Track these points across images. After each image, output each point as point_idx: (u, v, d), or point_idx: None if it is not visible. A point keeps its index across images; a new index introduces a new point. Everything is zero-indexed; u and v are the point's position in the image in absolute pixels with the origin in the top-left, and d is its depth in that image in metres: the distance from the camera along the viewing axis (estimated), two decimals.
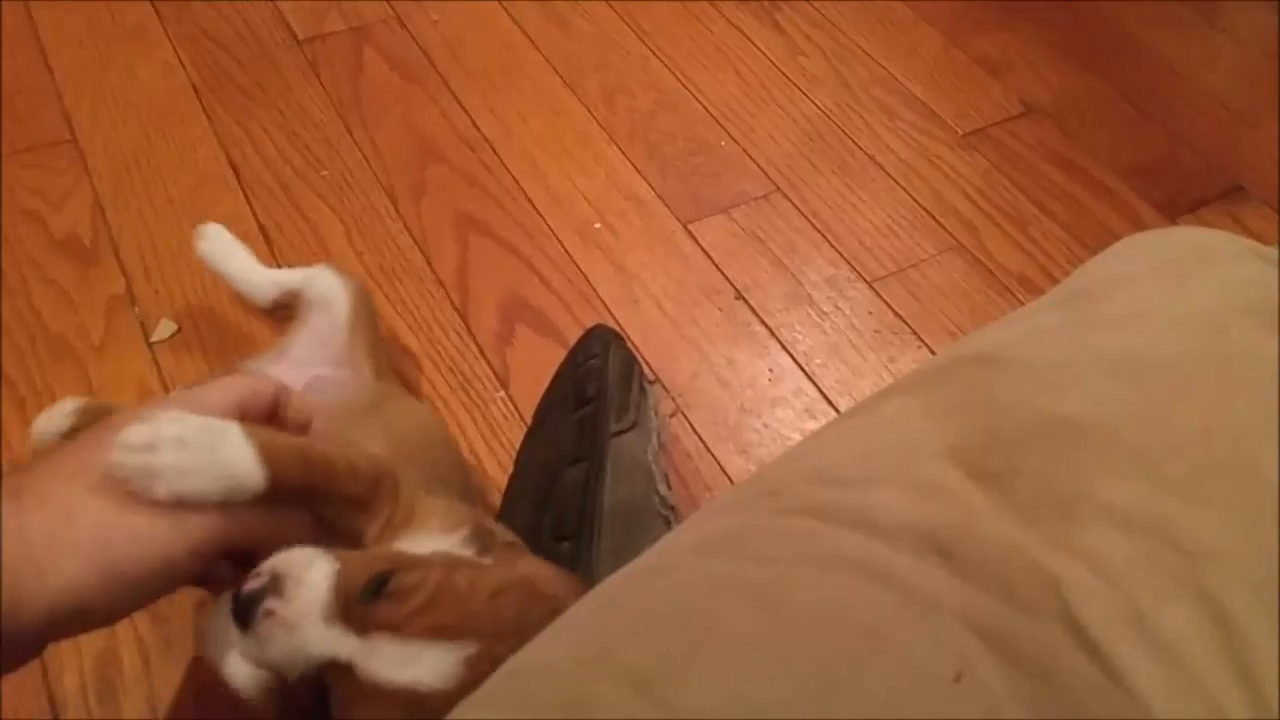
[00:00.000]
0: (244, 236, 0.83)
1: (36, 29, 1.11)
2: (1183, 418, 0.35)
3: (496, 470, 0.77)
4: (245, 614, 0.42)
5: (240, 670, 0.47)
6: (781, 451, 0.49)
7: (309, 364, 0.70)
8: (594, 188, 0.99)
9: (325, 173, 0.98)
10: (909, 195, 1.00)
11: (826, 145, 1.04)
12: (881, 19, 1.18)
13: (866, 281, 0.92)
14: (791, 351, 0.87)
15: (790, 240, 0.95)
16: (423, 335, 0.86)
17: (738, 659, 0.31)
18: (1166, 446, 0.34)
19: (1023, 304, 0.47)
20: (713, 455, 0.80)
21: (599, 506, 0.65)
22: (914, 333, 0.88)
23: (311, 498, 0.47)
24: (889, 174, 1.02)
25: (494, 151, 1.02)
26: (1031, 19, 1.19)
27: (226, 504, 0.44)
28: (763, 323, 0.89)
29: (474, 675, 0.41)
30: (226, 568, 0.46)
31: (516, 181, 0.99)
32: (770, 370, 0.86)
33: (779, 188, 1.00)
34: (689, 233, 0.95)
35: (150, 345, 0.84)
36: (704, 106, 1.07)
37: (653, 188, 0.99)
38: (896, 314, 0.90)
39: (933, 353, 0.87)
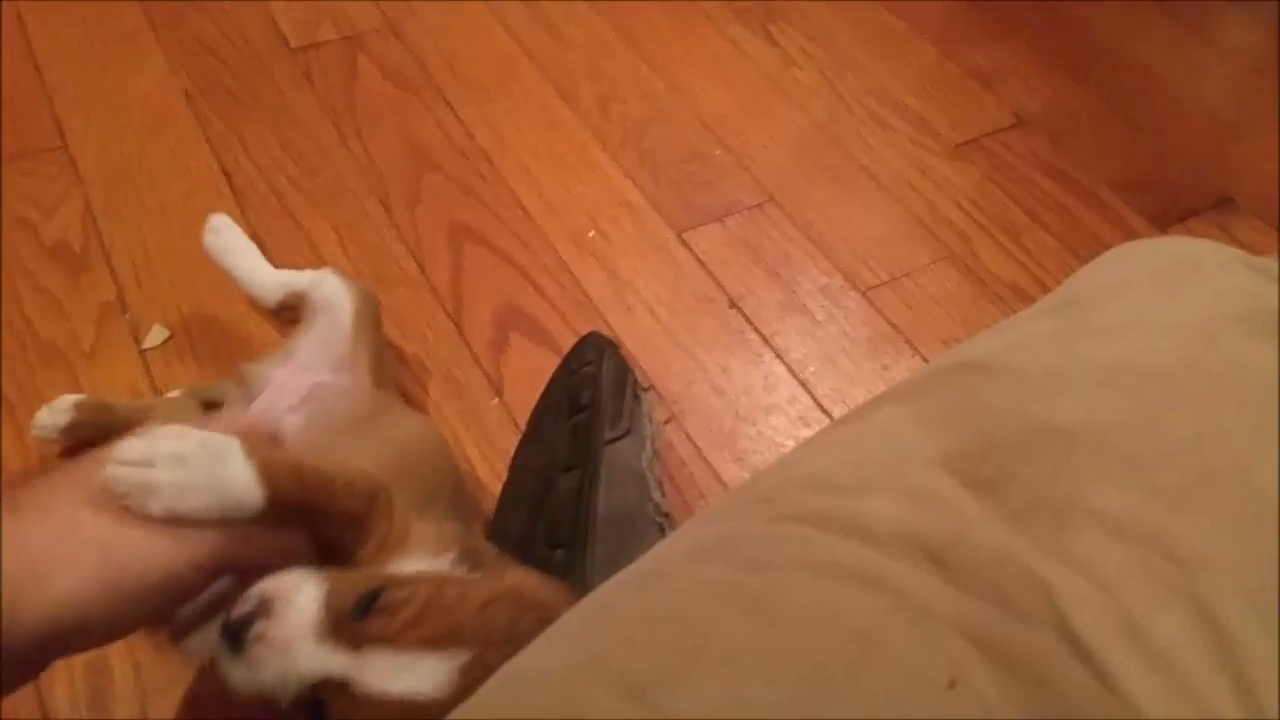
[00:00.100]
0: None
1: (29, 36, 1.10)
2: (1174, 426, 0.36)
3: (490, 478, 0.77)
4: (236, 638, 0.42)
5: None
6: (776, 459, 0.49)
7: (312, 368, 0.69)
8: (588, 196, 0.99)
9: (318, 180, 0.98)
10: (902, 205, 1.00)
11: (820, 155, 1.05)
12: (874, 31, 1.19)
13: (860, 290, 0.92)
14: (785, 359, 0.87)
15: (784, 249, 0.96)
16: (417, 343, 0.86)
17: (732, 666, 0.31)
18: (1158, 454, 0.35)
19: (1015, 313, 0.47)
20: (707, 462, 0.80)
21: (593, 514, 0.65)
22: (907, 341, 0.89)
23: (309, 515, 0.47)
24: (882, 184, 1.02)
25: (488, 160, 1.02)
26: (1023, 32, 1.20)
27: (226, 520, 0.43)
28: (757, 331, 0.89)
29: (468, 683, 0.41)
30: (229, 582, 0.46)
31: (510, 190, 0.99)
32: (765, 378, 0.86)
33: (773, 197, 1.00)
34: (683, 241, 0.96)
35: (141, 352, 0.84)
36: (698, 116, 1.08)
37: (646, 196, 0.99)
38: (890, 323, 0.90)
39: (926, 361, 0.87)
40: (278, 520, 0.46)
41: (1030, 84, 1.13)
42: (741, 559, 0.35)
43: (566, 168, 1.02)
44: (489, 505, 0.74)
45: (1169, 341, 0.39)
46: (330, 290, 0.75)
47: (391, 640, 0.42)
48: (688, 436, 0.81)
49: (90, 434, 0.74)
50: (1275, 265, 0.43)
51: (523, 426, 0.77)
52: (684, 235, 0.96)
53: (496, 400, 0.82)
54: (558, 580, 0.52)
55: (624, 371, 0.76)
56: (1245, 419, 0.36)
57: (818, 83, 1.12)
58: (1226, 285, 0.42)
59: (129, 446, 0.42)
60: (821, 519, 0.36)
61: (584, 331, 0.81)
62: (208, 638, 0.47)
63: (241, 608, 0.42)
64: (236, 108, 1.05)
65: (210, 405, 0.75)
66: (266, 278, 0.81)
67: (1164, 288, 0.42)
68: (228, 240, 0.81)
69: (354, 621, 0.43)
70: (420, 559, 0.50)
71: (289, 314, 0.80)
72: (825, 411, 0.84)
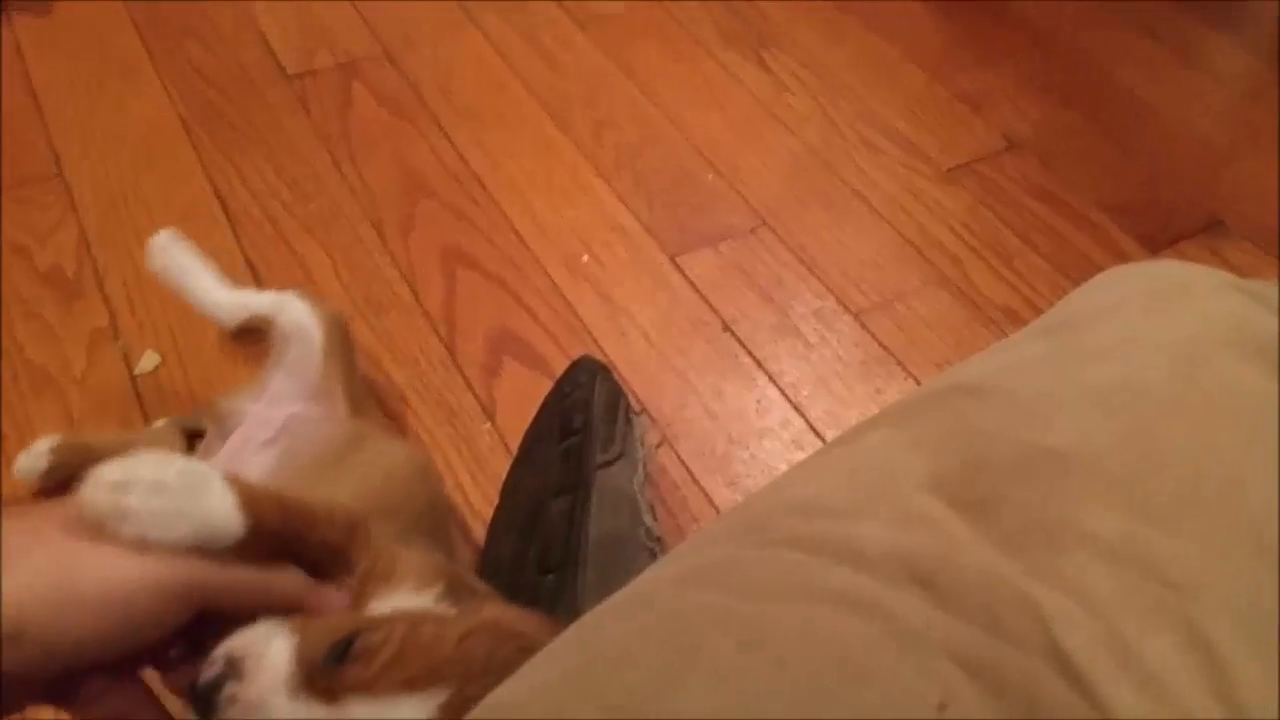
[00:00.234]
0: (231, 270, 0.83)
1: (26, 64, 1.11)
2: (1166, 448, 0.35)
3: (482, 502, 0.77)
4: (206, 703, 0.40)
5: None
6: (767, 483, 0.49)
7: (285, 400, 0.68)
8: (581, 221, 0.99)
9: (313, 206, 0.99)
10: (894, 229, 1.00)
11: (812, 180, 1.05)
12: (866, 57, 1.20)
13: (852, 314, 0.93)
14: (778, 383, 0.87)
15: (777, 273, 0.96)
16: (409, 368, 0.86)
17: (721, 687, 0.30)
18: (1150, 477, 0.34)
19: (1007, 336, 0.47)
20: (700, 486, 0.80)
21: (584, 538, 0.65)
22: (900, 364, 0.89)
23: (289, 546, 0.47)
24: (874, 208, 1.03)
25: (482, 185, 1.02)
26: (1012, 57, 1.21)
27: (203, 549, 0.43)
28: (750, 354, 0.89)
29: (452, 719, 0.40)
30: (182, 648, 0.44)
31: (504, 214, 0.99)
32: (758, 401, 0.86)
33: (765, 221, 1.01)
34: (676, 265, 0.96)
35: (133, 378, 0.83)
36: (691, 141, 1.08)
37: (639, 220, 1.00)
38: (882, 346, 0.90)
39: (918, 384, 0.87)
40: (258, 551, 0.45)
41: (1020, 108, 1.14)
42: (733, 584, 0.35)
43: (560, 193, 1.02)
44: (480, 530, 0.73)
45: (1160, 364, 0.39)
46: (297, 316, 0.73)
47: (369, 687, 0.41)
48: (680, 460, 0.81)
49: (70, 474, 0.72)
50: (1264, 288, 0.43)
51: (515, 451, 0.77)
52: (677, 259, 0.96)
53: (488, 425, 0.82)
54: (538, 612, 0.51)
55: (616, 395, 0.76)
56: (1237, 441, 0.36)
57: (810, 108, 1.13)
58: (1217, 309, 0.42)
59: (107, 470, 0.42)
60: (814, 544, 0.35)
61: (577, 355, 0.81)
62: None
63: (209, 670, 0.41)
64: (232, 135, 1.05)
65: (194, 435, 0.75)
66: (223, 297, 0.77)
67: (1155, 311, 0.43)
68: (174, 259, 0.77)
69: (329, 671, 0.41)
70: (407, 592, 0.49)
71: (256, 338, 0.77)
72: (818, 435, 0.84)
